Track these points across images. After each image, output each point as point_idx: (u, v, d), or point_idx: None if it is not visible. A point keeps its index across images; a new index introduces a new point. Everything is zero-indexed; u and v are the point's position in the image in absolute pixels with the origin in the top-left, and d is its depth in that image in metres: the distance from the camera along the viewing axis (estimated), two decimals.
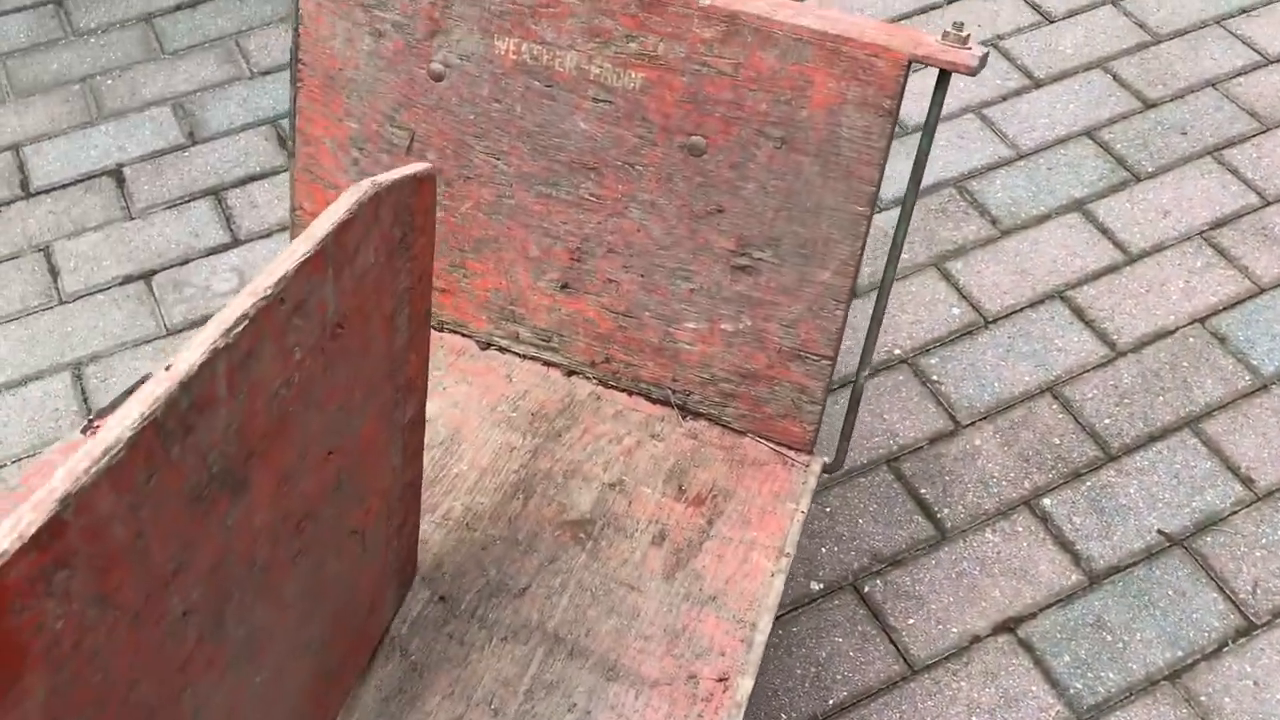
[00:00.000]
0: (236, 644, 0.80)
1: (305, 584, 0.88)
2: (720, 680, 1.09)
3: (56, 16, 2.54)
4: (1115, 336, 1.94)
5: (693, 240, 1.23)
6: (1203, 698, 1.55)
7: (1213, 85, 2.34)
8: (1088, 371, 1.89)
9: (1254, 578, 1.66)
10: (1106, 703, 1.55)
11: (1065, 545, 1.70)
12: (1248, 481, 1.76)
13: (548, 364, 1.35)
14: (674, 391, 1.30)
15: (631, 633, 1.12)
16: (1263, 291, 2.00)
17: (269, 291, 0.74)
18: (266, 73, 2.41)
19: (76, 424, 1.85)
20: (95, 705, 0.67)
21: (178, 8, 2.56)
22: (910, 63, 1.08)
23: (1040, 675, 1.58)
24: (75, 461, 0.62)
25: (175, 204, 2.17)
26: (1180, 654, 1.59)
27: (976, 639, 1.61)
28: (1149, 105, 2.30)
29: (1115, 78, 2.35)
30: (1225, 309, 1.98)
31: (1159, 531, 1.71)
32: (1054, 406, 1.85)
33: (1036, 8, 2.51)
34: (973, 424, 1.83)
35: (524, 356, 1.36)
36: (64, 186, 2.21)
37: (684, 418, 1.30)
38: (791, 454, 1.27)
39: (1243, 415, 1.84)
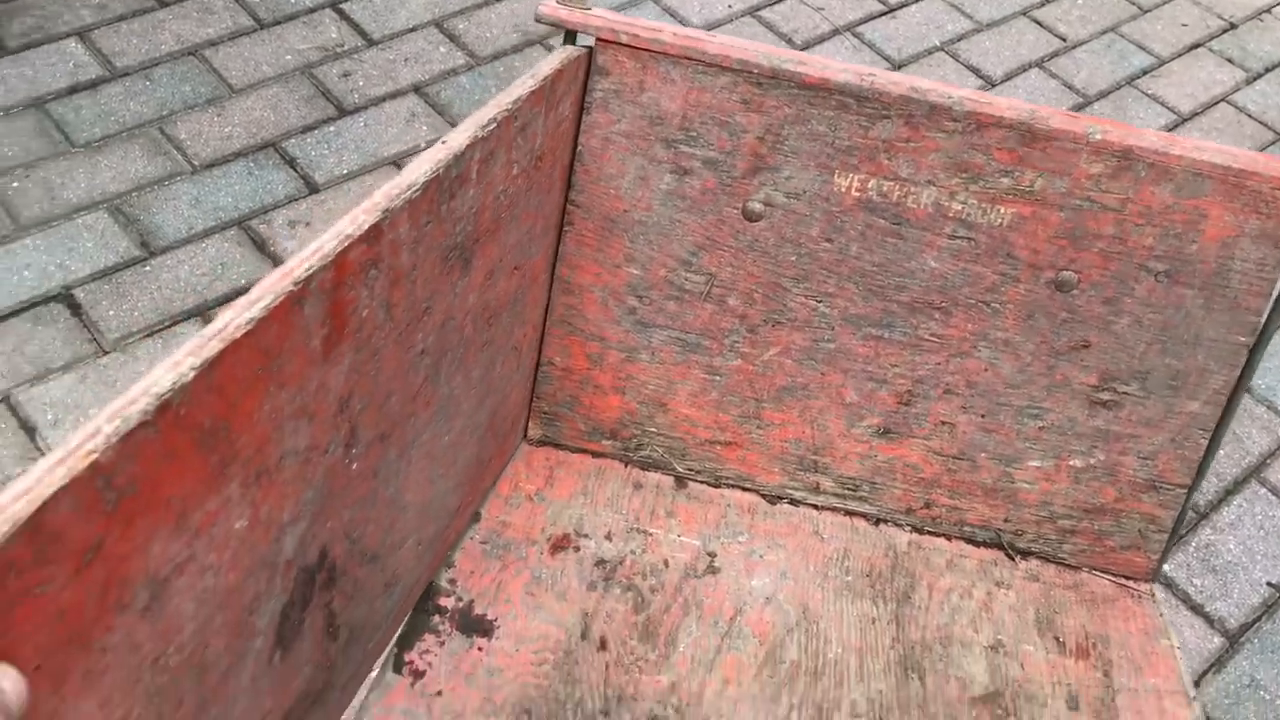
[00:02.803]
0: (442, 398, 0.95)
1: (484, 372, 1.04)
2: None
3: None
4: None
5: (1049, 377, 1.16)
6: None
7: None
8: None
9: None
10: None
11: (1197, 609, 1.76)
12: None
13: (850, 514, 1.24)
14: (1004, 532, 1.23)
15: None
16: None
17: (509, 106, 0.91)
18: (211, 165, 2.10)
19: None
20: (367, 397, 0.81)
21: (72, 90, 2.18)
22: None
23: None
24: (389, 187, 0.78)
25: (156, 331, 1.84)
26: None
27: None
28: None
29: None
30: None
31: (1268, 584, 1.81)
32: None
33: (977, 70, 2.60)
34: None
35: (821, 508, 1.24)
36: (2, 319, 1.82)
37: (1013, 558, 1.23)
38: (1133, 584, 1.23)
39: None
